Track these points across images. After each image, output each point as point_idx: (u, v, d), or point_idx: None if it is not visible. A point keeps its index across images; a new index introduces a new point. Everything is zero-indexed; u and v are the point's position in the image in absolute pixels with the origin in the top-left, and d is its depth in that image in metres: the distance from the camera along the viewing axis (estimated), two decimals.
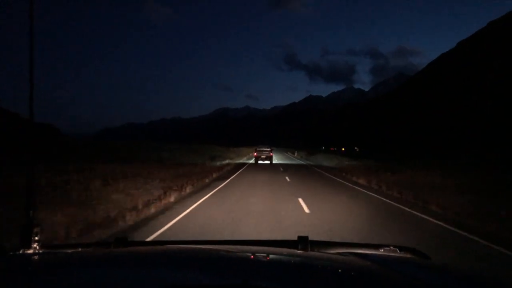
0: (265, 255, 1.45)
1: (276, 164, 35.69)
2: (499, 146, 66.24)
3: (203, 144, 66.01)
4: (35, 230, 1.50)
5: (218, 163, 31.66)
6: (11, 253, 1.43)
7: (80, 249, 1.64)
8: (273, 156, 39.54)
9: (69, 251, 1.62)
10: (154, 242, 2.58)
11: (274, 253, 1.51)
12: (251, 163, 35.27)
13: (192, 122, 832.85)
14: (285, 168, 28.61)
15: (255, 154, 38.35)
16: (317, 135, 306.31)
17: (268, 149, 38.01)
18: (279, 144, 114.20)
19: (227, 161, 36.87)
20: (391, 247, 1.60)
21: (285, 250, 1.57)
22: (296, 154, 72.27)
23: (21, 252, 1.44)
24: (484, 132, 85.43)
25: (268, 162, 36.96)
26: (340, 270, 1.22)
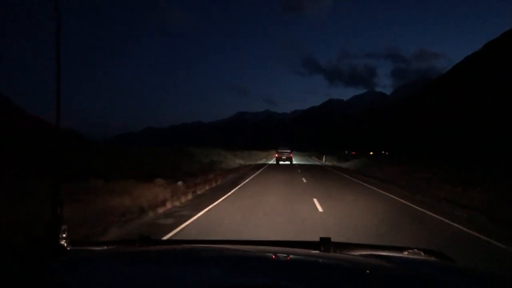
0: (290, 256, 1.45)
1: (304, 176, 22.91)
2: None
3: (204, 148, 57.09)
4: (63, 227, 1.51)
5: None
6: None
7: (105, 247, 1.68)
8: (296, 162, 44.51)
9: (97, 248, 1.66)
10: (176, 241, 2.50)
11: (298, 254, 1.50)
12: (260, 176, 22.59)
13: (212, 126, 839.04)
14: (324, 192, 14.70)
15: (276, 155, 42.02)
16: (338, 139, 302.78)
17: (289, 151, 41.37)
18: (299, 148, 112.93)
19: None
20: (415, 249, 1.58)
21: (308, 251, 1.56)
22: (324, 159, 61.18)
23: (50, 251, 1.42)
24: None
25: (288, 162, 40.51)
26: (366, 271, 1.22)
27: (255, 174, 24.09)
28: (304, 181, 19.13)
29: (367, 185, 18.44)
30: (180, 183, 14.73)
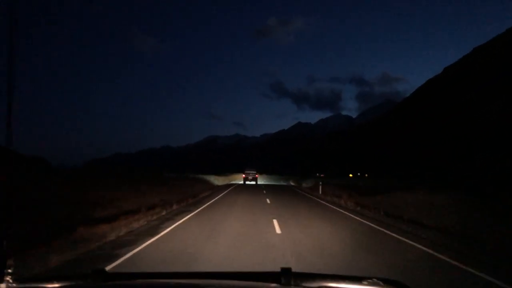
0: None
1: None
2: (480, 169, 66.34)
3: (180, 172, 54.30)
4: (9, 262, 1.45)
5: None
6: None
7: (55, 283, 1.54)
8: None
9: (46, 286, 1.52)
10: (133, 275, 2.08)
11: None
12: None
13: (182, 150, 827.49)
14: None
15: (243, 175, 47.32)
16: (307, 161, 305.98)
17: (254, 171, 47.19)
18: (271, 171, 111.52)
19: None
20: (374, 279, 1.57)
21: (266, 285, 1.52)
22: (304, 184, 52.30)
23: None
24: (472, 154, 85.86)
25: (254, 182, 45.70)
26: None
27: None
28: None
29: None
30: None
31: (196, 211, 15.59)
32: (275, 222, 12.29)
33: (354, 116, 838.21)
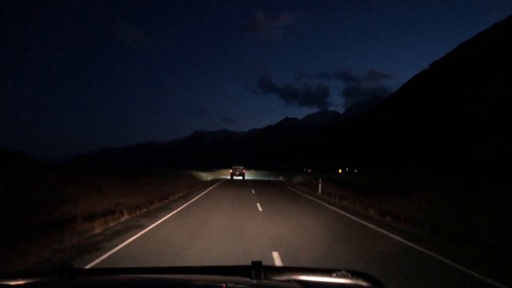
0: (218, 285, 1.46)
1: None
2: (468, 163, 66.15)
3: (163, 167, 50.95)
4: None
5: None
6: None
7: (20, 280, 1.50)
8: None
9: (10, 283, 1.47)
10: (101, 270, 1.98)
11: (226, 283, 1.50)
12: None
13: (168, 146, 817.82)
14: None
15: (231, 171, 48.93)
16: (295, 157, 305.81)
17: (242, 167, 49.15)
18: (258, 167, 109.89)
19: None
20: (343, 271, 1.59)
21: (237, 279, 1.56)
22: (294, 181, 48.30)
23: None
24: (458, 149, 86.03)
25: (240, 177, 47.16)
26: None
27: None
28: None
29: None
30: None
31: (138, 234, 9.50)
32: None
33: (341, 112, 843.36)
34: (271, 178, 59.19)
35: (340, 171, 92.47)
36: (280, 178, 57.66)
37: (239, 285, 1.39)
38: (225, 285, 1.40)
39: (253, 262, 1.59)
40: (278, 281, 1.55)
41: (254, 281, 1.49)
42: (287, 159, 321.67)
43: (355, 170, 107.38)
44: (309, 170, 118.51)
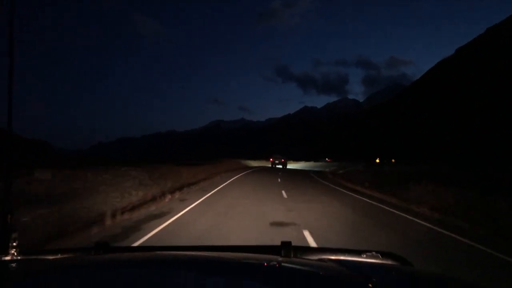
0: (250, 262, 1.49)
1: None
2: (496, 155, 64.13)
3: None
4: (13, 235, 1.48)
5: None
6: None
7: (60, 255, 1.57)
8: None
9: (49, 257, 1.54)
10: (135, 248, 2.21)
11: (256, 260, 1.52)
12: None
13: (187, 135, 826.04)
14: None
15: (271, 159, 52.90)
16: (315, 146, 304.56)
17: (281, 157, 52.45)
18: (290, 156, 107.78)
19: None
20: (373, 252, 1.60)
21: (267, 257, 1.54)
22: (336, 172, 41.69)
23: None
24: (483, 139, 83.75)
25: (280, 166, 50.54)
26: (318, 279, 1.26)
27: None
28: None
29: None
30: None
31: None
32: None
33: (361, 100, 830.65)
34: (315, 169, 52.89)
35: (378, 160, 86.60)
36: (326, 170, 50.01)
37: (271, 263, 1.43)
38: (255, 262, 1.45)
39: (282, 242, 1.64)
40: (309, 259, 1.57)
41: (284, 259, 1.52)
42: (306, 148, 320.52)
43: (393, 160, 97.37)
44: (328, 159, 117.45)
